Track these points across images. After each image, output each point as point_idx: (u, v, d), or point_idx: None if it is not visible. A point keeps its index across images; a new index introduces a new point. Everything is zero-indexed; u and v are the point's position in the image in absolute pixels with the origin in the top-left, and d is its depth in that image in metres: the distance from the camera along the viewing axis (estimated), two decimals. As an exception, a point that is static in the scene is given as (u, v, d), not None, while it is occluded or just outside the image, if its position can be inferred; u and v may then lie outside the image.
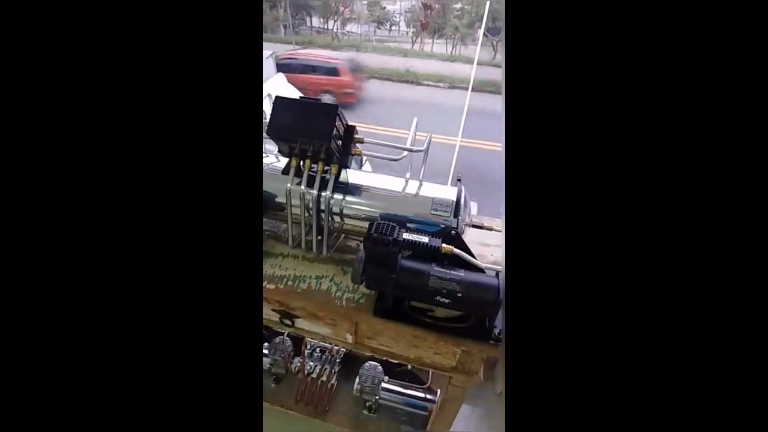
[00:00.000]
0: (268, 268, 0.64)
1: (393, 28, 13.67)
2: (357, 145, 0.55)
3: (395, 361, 0.98)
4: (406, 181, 0.63)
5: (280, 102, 0.49)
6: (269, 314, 0.66)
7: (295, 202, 0.59)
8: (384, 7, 12.95)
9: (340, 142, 0.54)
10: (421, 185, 0.62)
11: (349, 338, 0.65)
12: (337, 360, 0.96)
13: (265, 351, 0.97)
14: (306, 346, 0.97)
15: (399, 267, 0.53)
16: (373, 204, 0.61)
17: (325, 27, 12.29)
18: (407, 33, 13.17)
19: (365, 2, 12.46)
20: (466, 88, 7.20)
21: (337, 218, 0.61)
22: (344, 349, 0.99)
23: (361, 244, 0.68)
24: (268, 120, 0.48)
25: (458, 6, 10.94)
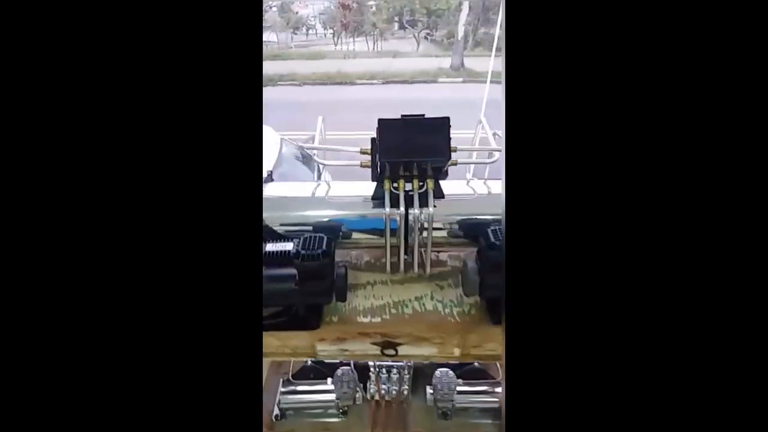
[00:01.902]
0: (362, 300, 0.61)
1: (310, 31, 13.49)
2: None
3: (459, 362, 0.99)
4: (486, 183, 0.62)
5: (385, 125, 0.45)
6: (367, 349, 0.62)
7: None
8: (297, 12, 12.73)
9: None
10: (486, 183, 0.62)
11: (456, 352, 0.63)
12: (407, 376, 0.94)
13: (330, 386, 0.93)
14: (373, 369, 0.93)
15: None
16: (452, 211, 0.60)
17: (241, 40, 11.78)
18: (325, 35, 13.06)
19: (275, 9, 12.15)
20: (399, 82, 7.32)
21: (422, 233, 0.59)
22: (411, 363, 0.97)
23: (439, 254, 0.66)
24: (378, 143, 0.45)
25: (372, 2, 11.04)
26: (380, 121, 0.46)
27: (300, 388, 0.95)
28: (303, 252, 0.49)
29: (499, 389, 0.95)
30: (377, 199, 0.55)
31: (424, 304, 0.60)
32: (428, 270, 0.58)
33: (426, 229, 0.58)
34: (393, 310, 0.59)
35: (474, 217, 0.59)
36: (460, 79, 7.15)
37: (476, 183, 0.64)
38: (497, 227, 0.52)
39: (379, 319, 0.58)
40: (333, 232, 0.60)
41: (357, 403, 0.94)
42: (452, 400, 0.92)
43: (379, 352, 0.65)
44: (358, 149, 0.53)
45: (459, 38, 7.37)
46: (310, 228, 0.60)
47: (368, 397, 0.94)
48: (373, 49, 11.05)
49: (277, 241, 0.53)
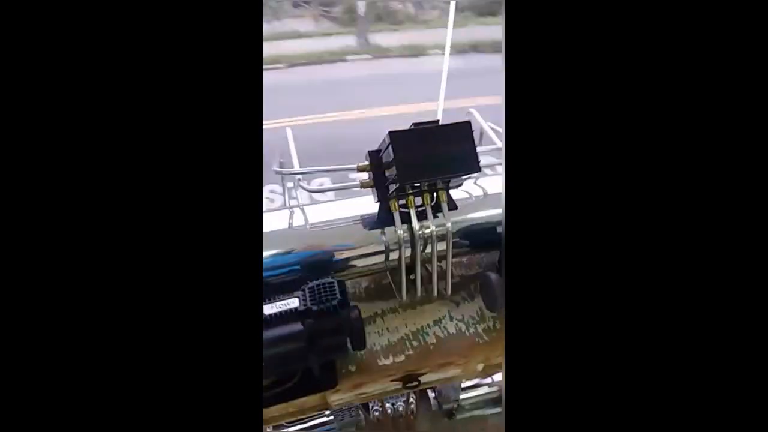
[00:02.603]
0: (376, 337, 0.53)
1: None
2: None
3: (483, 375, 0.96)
4: (476, 183, 0.56)
5: (398, 138, 0.36)
6: (387, 386, 0.55)
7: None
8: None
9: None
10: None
11: (480, 368, 0.58)
12: (409, 387, 0.88)
13: (329, 418, 0.84)
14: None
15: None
16: (457, 219, 0.54)
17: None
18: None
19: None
20: (306, 64, 7.01)
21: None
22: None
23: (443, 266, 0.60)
24: (393, 161, 0.36)
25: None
26: (391, 134, 0.37)
27: (293, 428, 0.85)
28: (315, 308, 0.39)
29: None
30: (382, 221, 0.46)
31: (445, 327, 0.54)
32: (449, 290, 0.51)
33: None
34: (414, 342, 0.52)
35: (480, 222, 0.53)
36: (368, 56, 7.03)
37: (466, 184, 0.58)
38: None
39: (402, 358, 0.51)
40: (323, 267, 0.50)
41: (361, 425, 0.87)
42: (457, 399, 0.89)
43: (400, 387, 0.58)
44: (354, 167, 0.44)
45: (361, 14, 7.21)
46: (297, 267, 0.50)
47: (372, 417, 0.87)
48: (270, 31, 10.36)
49: (272, 296, 0.42)
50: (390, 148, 0.37)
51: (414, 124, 0.38)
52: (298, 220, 0.54)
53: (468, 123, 0.38)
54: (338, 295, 0.41)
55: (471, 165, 0.38)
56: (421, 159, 0.37)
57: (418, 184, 0.43)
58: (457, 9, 0.75)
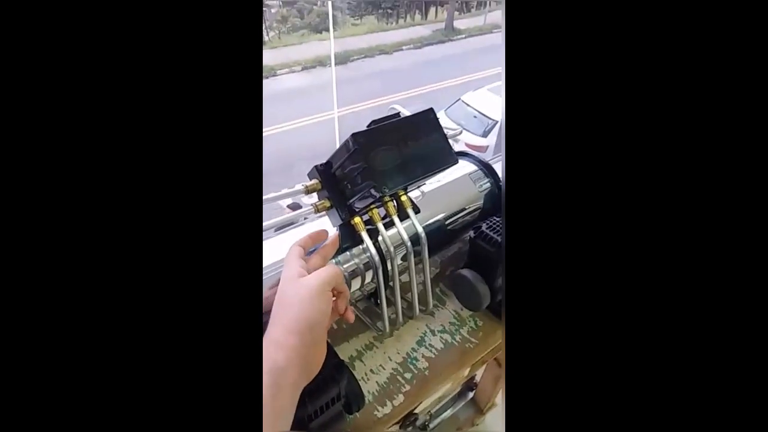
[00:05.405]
0: (364, 384, 0.43)
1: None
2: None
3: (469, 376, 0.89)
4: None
5: (365, 139, 0.28)
6: (384, 434, 0.46)
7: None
8: None
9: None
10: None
11: (466, 372, 0.54)
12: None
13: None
14: None
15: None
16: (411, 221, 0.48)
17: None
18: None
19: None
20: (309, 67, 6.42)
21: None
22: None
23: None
24: (367, 171, 0.27)
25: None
26: (353, 136, 0.29)
27: None
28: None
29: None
30: (349, 246, 0.38)
31: (431, 345, 0.48)
32: (431, 305, 0.45)
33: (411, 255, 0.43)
34: (407, 375, 0.45)
35: (429, 223, 0.48)
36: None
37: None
38: (482, 224, 0.43)
39: (401, 398, 0.43)
40: None
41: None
42: (428, 411, 0.85)
43: (397, 430, 0.50)
44: (302, 188, 0.34)
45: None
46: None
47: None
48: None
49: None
50: (356, 155, 0.28)
51: (373, 121, 0.31)
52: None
53: (431, 110, 0.32)
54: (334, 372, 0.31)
55: (450, 155, 0.32)
56: (399, 159, 0.30)
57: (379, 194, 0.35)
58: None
